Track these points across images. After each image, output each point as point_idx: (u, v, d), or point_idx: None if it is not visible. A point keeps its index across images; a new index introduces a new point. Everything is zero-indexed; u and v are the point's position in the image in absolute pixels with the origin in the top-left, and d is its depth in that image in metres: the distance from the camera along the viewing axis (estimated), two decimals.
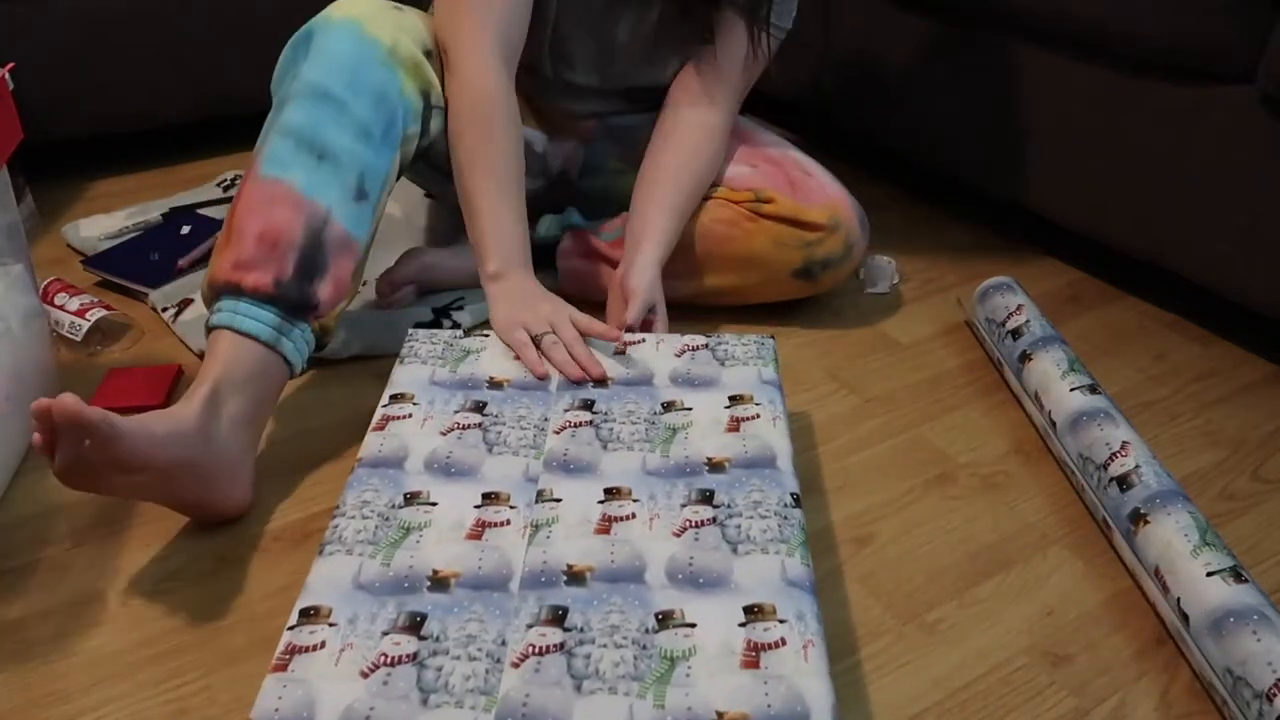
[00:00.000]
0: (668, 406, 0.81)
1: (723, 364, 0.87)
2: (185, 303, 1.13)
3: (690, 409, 0.81)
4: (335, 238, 0.88)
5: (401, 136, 0.94)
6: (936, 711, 0.70)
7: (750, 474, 0.74)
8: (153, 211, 1.34)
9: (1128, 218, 1.15)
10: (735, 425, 0.79)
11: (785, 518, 0.70)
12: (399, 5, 0.98)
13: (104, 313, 1.07)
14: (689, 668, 0.59)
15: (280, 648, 0.60)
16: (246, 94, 1.47)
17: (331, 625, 0.61)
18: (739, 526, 0.69)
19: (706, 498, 0.72)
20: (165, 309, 1.13)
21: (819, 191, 1.08)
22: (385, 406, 0.82)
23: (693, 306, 1.15)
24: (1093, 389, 0.92)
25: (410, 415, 0.80)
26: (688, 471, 0.75)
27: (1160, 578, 0.76)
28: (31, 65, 1.32)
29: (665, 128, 1.09)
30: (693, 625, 0.62)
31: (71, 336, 1.06)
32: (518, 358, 0.87)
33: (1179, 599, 0.73)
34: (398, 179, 0.98)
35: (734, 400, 0.82)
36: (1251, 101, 1.01)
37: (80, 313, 1.07)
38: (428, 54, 0.96)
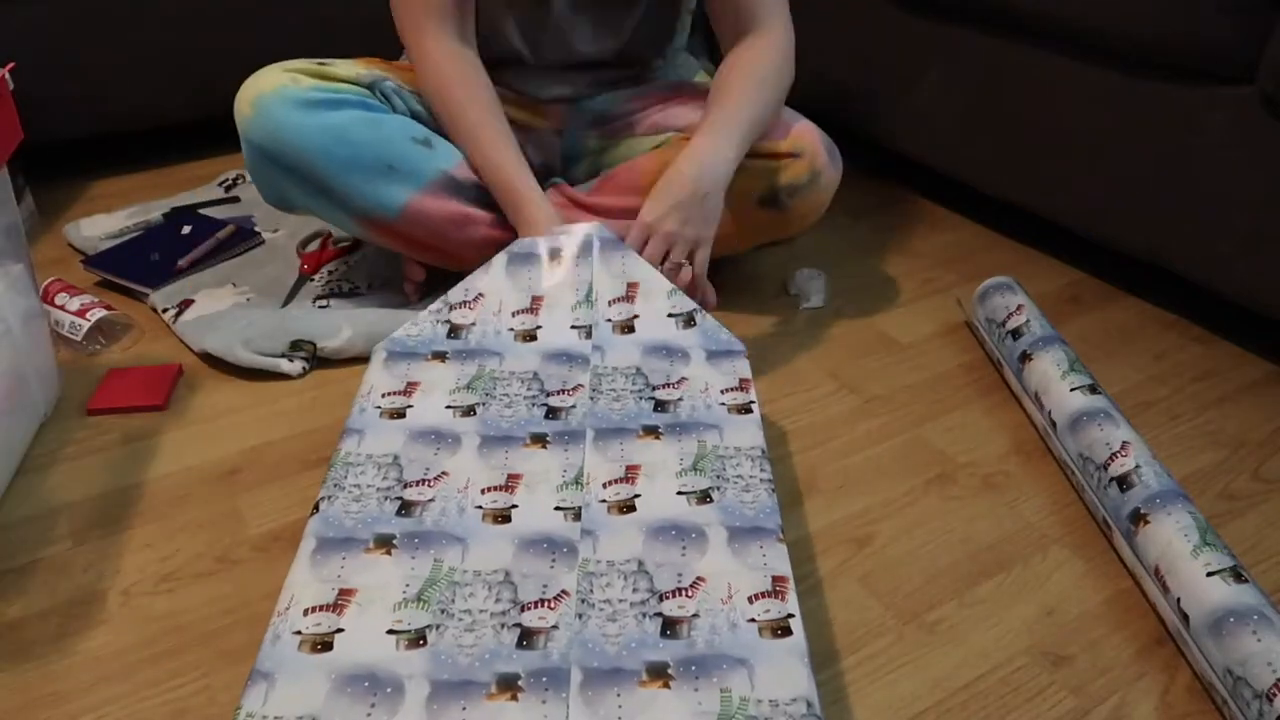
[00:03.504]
0: None
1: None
2: (185, 303, 1.13)
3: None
4: (459, 179, 1.05)
5: (389, 93, 1.07)
6: (936, 711, 0.70)
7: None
8: (153, 211, 1.34)
9: (1128, 218, 1.15)
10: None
11: None
12: (284, 64, 1.06)
13: (104, 313, 1.07)
14: None
15: None
16: None
17: None
18: None
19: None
20: (165, 310, 1.13)
21: (782, 127, 1.09)
22: None
23: None
24: (1093, 389, 0.92)
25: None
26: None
27: (1160, 578, 0.76)
28: (31, 65, 1.32)
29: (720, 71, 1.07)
30: None
31: (71, 336, 1.06)
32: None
33: (1179, 599, 0.73)
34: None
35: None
36: (1251, 101, 1.01)
37: (80, 313, 1.07)
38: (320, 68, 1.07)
